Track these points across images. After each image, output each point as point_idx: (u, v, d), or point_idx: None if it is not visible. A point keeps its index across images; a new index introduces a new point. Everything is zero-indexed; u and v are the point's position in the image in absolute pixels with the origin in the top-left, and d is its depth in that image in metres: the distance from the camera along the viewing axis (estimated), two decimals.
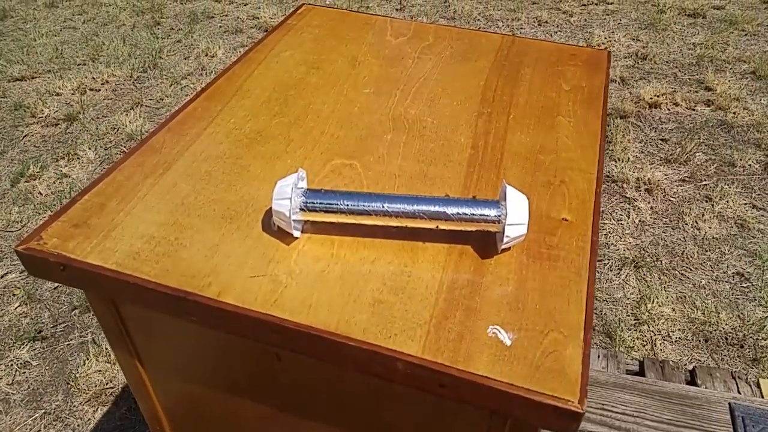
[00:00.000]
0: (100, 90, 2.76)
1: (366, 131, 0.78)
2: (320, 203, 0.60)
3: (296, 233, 0.61)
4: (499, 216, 0.59)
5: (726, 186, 2.06)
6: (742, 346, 1.71)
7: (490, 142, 0.77)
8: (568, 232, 0.65)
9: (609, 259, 1.91)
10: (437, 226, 0.60)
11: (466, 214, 0.59)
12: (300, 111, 0.81)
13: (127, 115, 2.55)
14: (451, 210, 0.59)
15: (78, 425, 1.52)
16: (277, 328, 0.56)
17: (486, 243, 0.63)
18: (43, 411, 1.56)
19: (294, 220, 0.61)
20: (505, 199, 0.59)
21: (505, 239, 0.59)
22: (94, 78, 2.82)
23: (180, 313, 0.59)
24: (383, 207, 0.59)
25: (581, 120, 0.81)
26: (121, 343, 0.73)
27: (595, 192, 0.70)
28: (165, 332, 0.70)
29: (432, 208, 0.59)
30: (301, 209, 0.60)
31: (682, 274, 1.85)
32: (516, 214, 0.58)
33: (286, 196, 0.59)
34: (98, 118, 2.55)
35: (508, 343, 0.54)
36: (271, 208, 0.60)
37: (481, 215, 0.59)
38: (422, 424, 0.64)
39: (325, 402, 0.69)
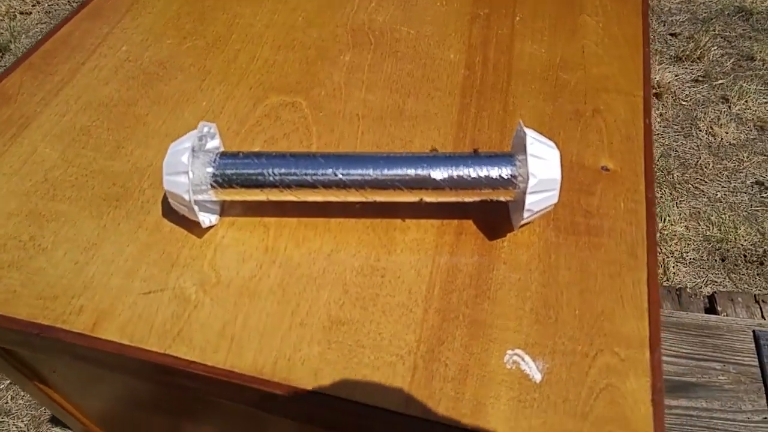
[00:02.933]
0: (31, 13, 2.41)
1: (315, 52, 0.55)
2: (238, 175, 0.39)
3: (207, 221, 0.41)
4: (515, 179, 0.38)
5: (745, 84, 1.84)
6: (762, 263, 1.56)
7: (492, 58, 0.55)
8: (611, 187, 0.45)
9: None
10: (421, 199, 0.39)
11: (463, 179, 0.38)
12: (221, 28, 0.58)
13: None
14: (440, 174, 0.38)
15: None
16: (183, 374, 0.36)
17: (494, 215, 0.43)
18: None
19: (201, 202, 0.40)
20: (524, 152, 0.39)
21: (526, 214, 0.38)
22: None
23: (42, 351, 0.40)
24: (337, 176, 0.38)
25: (614, 19, 0.58)
26: (19, 375, 0.54)
27: (644, 124, 0.50)
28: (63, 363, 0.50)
29: (411, 173, 0.38)
30: (211, 186, 0.39)
31: (695, 187, 1.67)
32: (542, 175, 0.37)
33: (183, 168, 0.38)
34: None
35: (538, 378, 0.35)
36: None
37: (486, 180, 0.38)
38: None
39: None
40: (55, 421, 1.28)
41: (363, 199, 0.40)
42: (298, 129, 0.48)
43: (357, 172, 0.38)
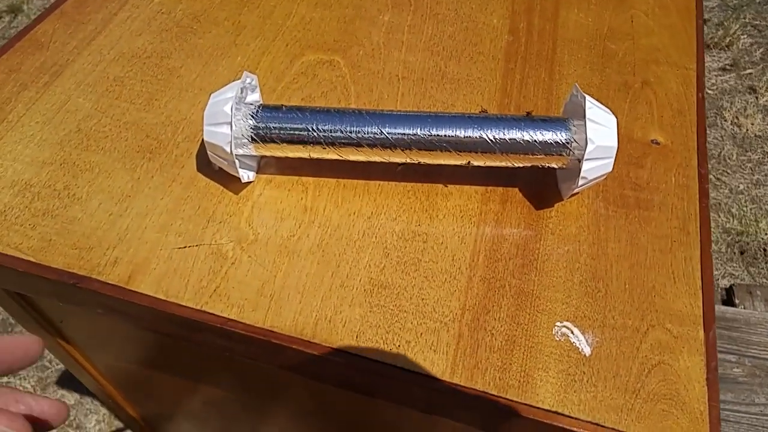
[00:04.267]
0: None
1: (352, 11, 0.53)
2: (281, 129, 0.37)
3: (246, 176, 0.39)
4: (570, 144, 0.37)
5: None
6: None
7: (536, 24, 0.53)
8: (662, 161, 0.43)
9: None
10: (469, 162, 0.38)
11: (516, 142, 0.37)
12: None
13: None
14: (491, 135, 0.37)
15: None
16: (219, 332, 0.35)
17: (541, 184, 0.41)
18: None
19: (240, 157, 0.38)
20: (579, 117, 0.37)
21: (581, 181, 0.37)
22: None
23: (76, 303, 0.39)
24: (383, 134, 0.37)
25: None
26: (35, 326, 0.53)
27: (697, 98, 0.48)
28: (83, 315, 0.50)
29: (461, 133, 0.37)
30: (252, 139, 0.37)
31: (717, 178, 1.64)
32: (600, 141, 0.36)
33: (224, 119, 0.36)
34: (47, 6, 2.21)
35: (588, 351, 0.34)
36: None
37: (540, 144, 0.37)
38: None
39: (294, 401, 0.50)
40: (61, 383, 1.28)
41: (408, 160, 0.38)
42: (336, 88, 0.46)
43: (404, 131, 0.37)
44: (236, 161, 0.37)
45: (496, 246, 0.38)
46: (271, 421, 0.65)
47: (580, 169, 0.36)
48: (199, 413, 0.70)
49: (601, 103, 0.38)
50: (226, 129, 0.36)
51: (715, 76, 1.83)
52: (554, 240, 0.39)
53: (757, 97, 1.76)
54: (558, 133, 0.37)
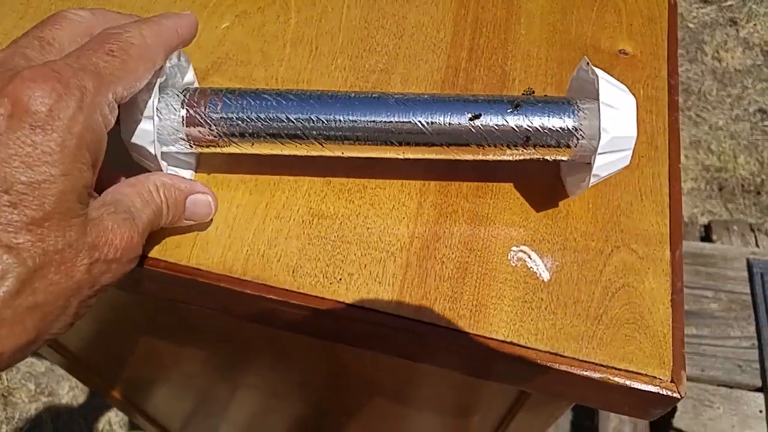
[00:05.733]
0: None
1: None
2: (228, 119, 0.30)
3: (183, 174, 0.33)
4: (577, 133, 0.30)
5: (754, 5, 1.75)
6: (758, 193, 1.53)
7: None
8: (630, 72, 0.40)
9: None
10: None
11: (505, 129, 0.30)
12: None
13: None
14: (476, 122, 0.29)
15: None
16: (139, 273, 0.32)
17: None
18: None
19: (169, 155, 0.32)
20: (597, 97, 0.29)
21: (593, 179, 0.30)
22: None
23: None
24: (335, 121, 0.30)
25: None
26: None
27: (669, 3, 0.44)
28: None
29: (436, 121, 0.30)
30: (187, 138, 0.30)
31: (697, 115, 1.62)
32: (615, 130, 0.29)
33: (147, 113, 0.29)
34: None
35: (546, 276, 0.31)
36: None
37: (538, 131, 0.30)
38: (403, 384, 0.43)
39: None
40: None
41: (358, 154, 0.31)
42: (274, 2, 0.42)
43: (359, 119, 0.30)
44: (162, 163, 0.31)
45: (449, 168, 0.35)
46: (244, 384, 0.63)
47: (591, 165, 0.29)
48: (164, 374, 0.68)
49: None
50: (148, 126, 0.29)
51: (696, 9, 1.78)
52: None
53: (737, 30, 1.72)
54: (561, 118, 0.30)
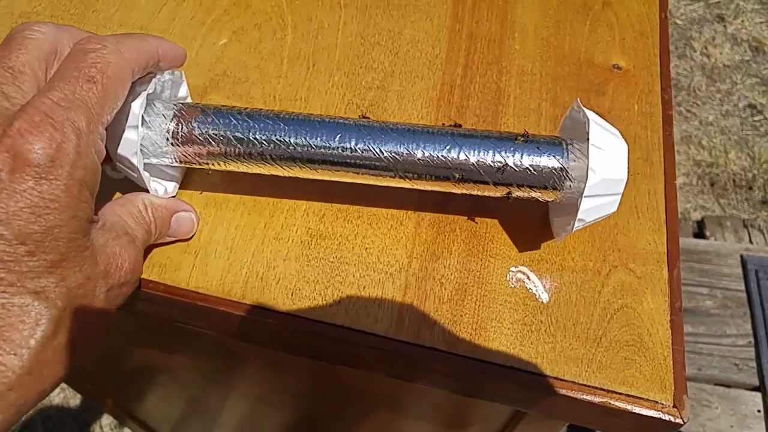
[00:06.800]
0: None
1: None
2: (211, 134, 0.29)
3: (160, 190, 0.32)
4: (564, 173, 0.29)
5: (741, 2, 1.76)
6: (750, 188, 1.54)
7: None
8: (624, 87, 0.40)
9: None
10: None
11: (493, 167, 0.29)
12: None
13: None
14: (472, 157, 0.29)
15: None
16: (139, 296, 0.32)
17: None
18: None
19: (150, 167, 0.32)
20: (587, 139, 0.28)
21: (577, 224, 0.29)
22: None
23: None
24: (330, 147, 0.30)
25: None
26: None
27: (660, 18, 0.44)
28: None
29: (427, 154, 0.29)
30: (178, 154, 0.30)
31: (687, 110, 1.63)
32: (604, 172, 0.28)
33: (132, 122, 0.28)
34: None
35: (545, 298, 0.31)
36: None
37: (526, 171, 0.29)
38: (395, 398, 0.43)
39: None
40: None
41: (349, 180, 0.31)
42: (271, 18, 0.41)
43: (349, 145, 0.29)
44: (148, 180, 0.30)
45: (443, 196, 0.35)
46: (236, 391, 0.63)
47: (577, 208, 0.29)
48: (156, 382, 0.68)
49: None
50: (133, 136, 0.28)
51: (684, 5, 1.78)
52: None
53: (725, 26, 1.73)
54: (550, 157, 0.29)
